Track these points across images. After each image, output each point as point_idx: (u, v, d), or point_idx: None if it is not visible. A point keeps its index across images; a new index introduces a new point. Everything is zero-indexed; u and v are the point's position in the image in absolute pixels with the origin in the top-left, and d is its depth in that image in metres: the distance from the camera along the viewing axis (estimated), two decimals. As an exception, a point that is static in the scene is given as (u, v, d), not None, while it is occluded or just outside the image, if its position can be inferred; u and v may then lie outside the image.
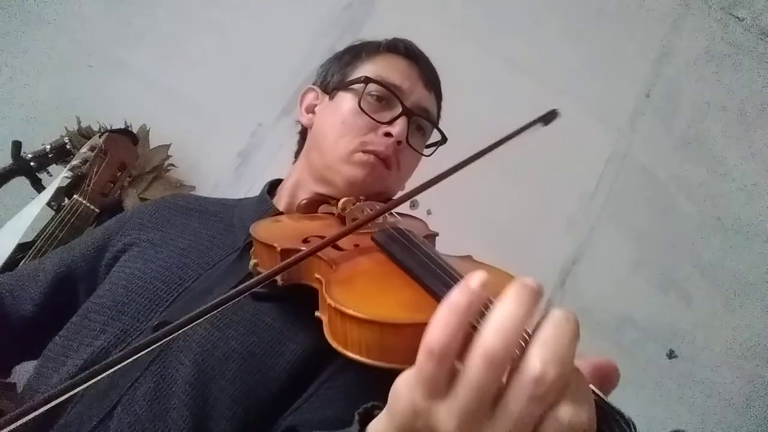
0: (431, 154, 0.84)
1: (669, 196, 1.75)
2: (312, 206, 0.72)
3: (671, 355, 1.62)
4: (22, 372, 1.25)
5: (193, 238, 0.70)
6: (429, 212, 1.60)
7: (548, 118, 0.55)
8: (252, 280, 0.42)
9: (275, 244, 0.55)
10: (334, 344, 0.42)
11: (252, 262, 0.59)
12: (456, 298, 0.30)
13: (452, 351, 0.30)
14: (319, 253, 0.50)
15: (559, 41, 1.79)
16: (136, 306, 0.61)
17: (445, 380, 0.30)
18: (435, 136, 0.85)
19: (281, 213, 0.75)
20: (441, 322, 0.30)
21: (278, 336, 0.58)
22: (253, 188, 1.54)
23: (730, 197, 1.76)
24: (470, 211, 1.55)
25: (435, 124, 0.82)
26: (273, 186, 0.84)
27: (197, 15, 1.65)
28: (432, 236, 0.69)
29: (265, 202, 0.77)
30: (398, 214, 0.79)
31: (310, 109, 0.83)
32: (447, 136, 0.84)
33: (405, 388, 0.31)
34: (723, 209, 1.75)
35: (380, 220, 0.58)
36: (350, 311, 0.40)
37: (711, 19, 1.88)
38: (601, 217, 1.70)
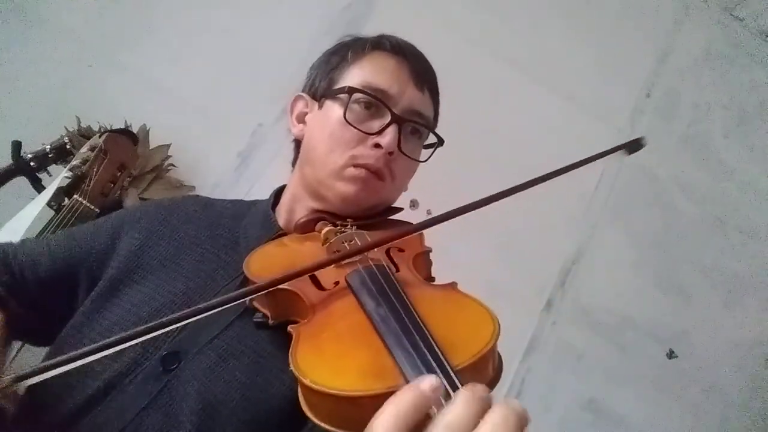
0: (428, 159, 0.80)
1: (669, 196, 1.75)
2: (309, 225, 0.70)
3: (671, 355, 1.62)
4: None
5: (200, 257, 0.69)
6: (429, 212, 1.60)
7: (633, 146, 0.52)
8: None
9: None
10: (303, 407, 0.42)
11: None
12: (404, 401, 0.34)
13: None
14: (300, 294, 0.53)
15: (559, 41, 1.79)
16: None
17: None
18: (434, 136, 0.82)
19: (283, 233, 0.73)
20: (386, 420, 0.34)
21: (281, 364, 0.57)
22: (253, 188, 1.54)
23: (730, 197, 1.76)
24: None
25: (429, 127, 0.78)
26: (278, 193, 0.82)
27: (197, 15, 1.64)
28: (425, 253, 0.67)
29: (268, 221, 0.75)
30: (393, 220, 0.77)
31: (301, 119, 0.81)
32: (443, 139, 0.79)
33: None
34: (723, 209, 1.75)
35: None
36: (307, 381, 0.40)
37: (711, 19, 1.88)
38: (601, 217, 1.70)
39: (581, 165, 0.54)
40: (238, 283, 0.65)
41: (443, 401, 0.35)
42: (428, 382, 0.35)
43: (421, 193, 1.62)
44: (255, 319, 0.59)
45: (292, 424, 0.55)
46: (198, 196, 0.86)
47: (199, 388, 0.57)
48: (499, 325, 0.44)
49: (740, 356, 1.63)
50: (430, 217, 0.52)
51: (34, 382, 0.40)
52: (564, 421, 1.53)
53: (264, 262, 0.62)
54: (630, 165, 1.75)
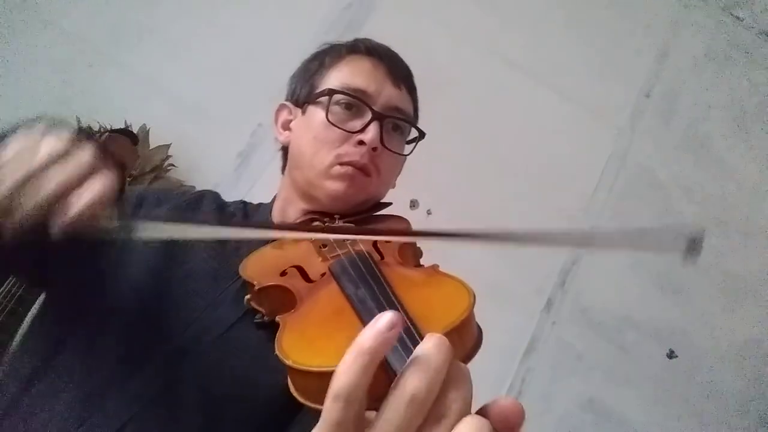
0: (411, 152, 0.83)
1: (669, 196, 1.75)
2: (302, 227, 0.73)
3: (671, 355, 1.62)
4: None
5: (203, 255, 0.71)
6: (429, 212, 1.60)
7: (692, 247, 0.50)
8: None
9: (254, 282, 0.59)
10: (291, 389, 0.43)
11: (246, 297, 0.62)
12: (362, 340, 0.30)
13: (360, 394, 0.29)
14: (290, 287, 0.55)
15: (559, 41, 1.79)
16: (151, 335, 0.63)
17: (354, 427, 0.30)
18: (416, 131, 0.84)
19: None
20: (346, 365, 0.30)
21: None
22: (253, 188, 1.54)
23: (730, 197, 1.76)
24: (470, 211, 1.55)
25: (410, 122, 0.81)
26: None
27: (197, 15, 1.65)
28: (412, 243, 0.68)
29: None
30: (382, 215, 0.79)
31: (286, 126, 0.83)
32: (425, 132, 0.82)
33: None
34: (723, 209, 1.75)
35: (347, 242, 0.60)
36: (289, 362, 0.42)
37: (711, 19, 1.89)
38: (601, 217, 1.70)
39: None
40: (238, 286, 0.66)
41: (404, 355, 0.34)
42: (385, 318, 0.30)
43: (421, 193, 1.62)
44: (256, 320, 0.61)
45: (289, 410, 0.56)
46: (216, 194, 0.87)
47: (203, 384, 0.59)
48: (474, 297, 0.45)
49: (740, 356, 1.63)
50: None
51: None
52: (564, 421, 1.53)
53: (259, 265, 0.64)
54: (630, 165, 1.75)
